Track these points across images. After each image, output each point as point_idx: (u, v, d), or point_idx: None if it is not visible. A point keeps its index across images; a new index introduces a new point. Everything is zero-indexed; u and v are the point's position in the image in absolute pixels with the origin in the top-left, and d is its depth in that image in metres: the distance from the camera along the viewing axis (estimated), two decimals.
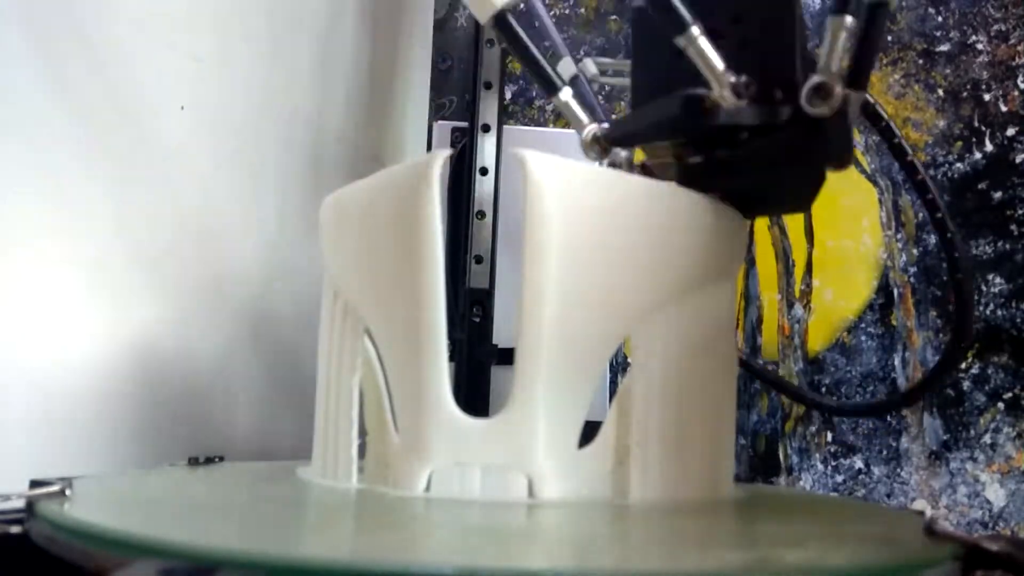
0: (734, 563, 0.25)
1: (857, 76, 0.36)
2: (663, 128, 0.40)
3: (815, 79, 0.35)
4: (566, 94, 0.44)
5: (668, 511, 0.34)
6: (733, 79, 0.36)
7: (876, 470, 0.78)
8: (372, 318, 0.38)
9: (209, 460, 0.46)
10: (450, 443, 0.35)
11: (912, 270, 0.79)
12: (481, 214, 0.70)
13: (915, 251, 0.80)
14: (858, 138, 0.82)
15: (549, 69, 0.44)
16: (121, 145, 0.54)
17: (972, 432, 0.76)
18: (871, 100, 0.43)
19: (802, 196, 0.40)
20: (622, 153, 0.45)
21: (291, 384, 0.66)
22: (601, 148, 0.44)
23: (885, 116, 0.44)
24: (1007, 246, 0.78)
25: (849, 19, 0.35)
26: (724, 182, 0.40)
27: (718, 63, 0.36)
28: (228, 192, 0.62)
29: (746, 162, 0.38)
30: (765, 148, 0.38)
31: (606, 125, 0.44)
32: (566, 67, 0.54)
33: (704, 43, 0.37)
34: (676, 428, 0.36)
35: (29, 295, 0.48)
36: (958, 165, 0.79)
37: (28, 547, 0.29)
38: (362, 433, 0.39)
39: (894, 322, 0.79)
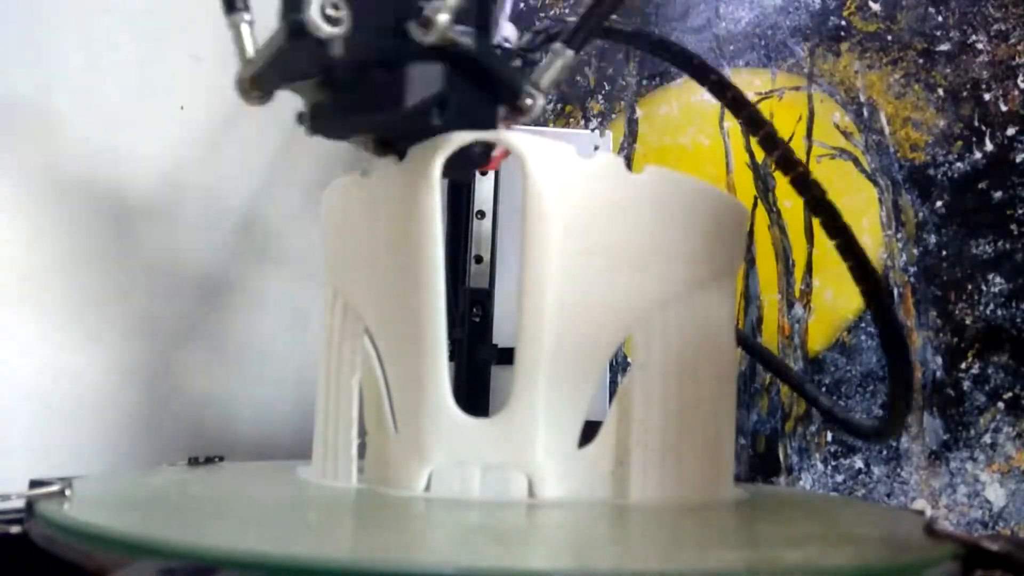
0: (734, 563, 0.25)
1: (571, 35, 0.35)
2: (280, 63, 0.35)
3: (420, 5, 0.32)
4: (241, 18, 0.37)
5: (668, 511, 0.34)
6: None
7: (876, 470, 0.78)
8: (372, 318, 0.38)
9: (209, 460, 0.46)
10: (450, 443, 0.35)
11: (912, 270, 0.79)
12: (481, 214, 0.70)
13: (915, 251, 0.80)
14: (858, 138, 0.82)
15: None
16: (119, 144, 0.54)
17: (972, 432, 0.76)
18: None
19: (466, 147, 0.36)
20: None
21: (291, 384, 0.66)
22: (248, 91, 0.36)
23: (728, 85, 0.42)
24: (1007, 246, 0.78)
25: None
26: (351, 126, 0.36)
27: None
28: (226, 193, 0.62)
29: (373, 102, 0.34)
30: (389, 85, 0.33)
31: None
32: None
33: None
34: (676, 428, 0.36)
35: (28, 296, 0.48)
36: (958, 165, 0.79)
37: (28, 547, 0.29)
38: (362, 433, 0.39)
39: None
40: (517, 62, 0.45)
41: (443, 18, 0.32)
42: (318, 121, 0.36)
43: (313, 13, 0.31)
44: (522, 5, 0.89)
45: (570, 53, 0.38)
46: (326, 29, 0.31)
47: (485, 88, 0.35)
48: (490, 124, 0.37)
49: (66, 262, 0.50)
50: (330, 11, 0.31)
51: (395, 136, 0.37)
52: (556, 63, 0.38)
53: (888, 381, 0.40)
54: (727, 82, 0.43)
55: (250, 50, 0.37)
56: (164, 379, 0.56)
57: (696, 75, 0.45)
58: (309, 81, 0.35)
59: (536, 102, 0.36)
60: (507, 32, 0.45)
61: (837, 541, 0.31)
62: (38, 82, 0.49)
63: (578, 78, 0.90)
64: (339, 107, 0.35)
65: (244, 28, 0.37)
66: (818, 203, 0.38)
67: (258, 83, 0.36)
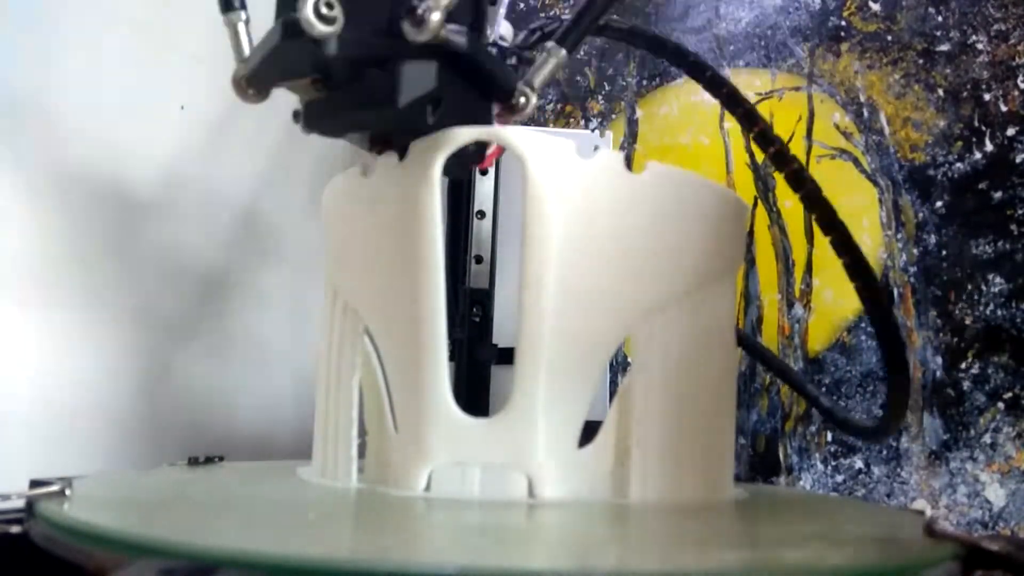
0: (734, 563, 0.25)
1: (565, 34, 0.36)
2: (275, 62, 0.35)
3: (413, 4, 0.32)
4: (238, 17, 0.38)
5: (668, 511, 0.34)
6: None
7: (876, 470, 0.78)
8: (372, 318, 0.38)
9: (209, 460, 0.46)
10: (450, 443, 0.35)
11: (912, 270, 0.79)
12: (481, 214, 0.70)
13: (915, 251, 0.80)
14: (858, 138, 0.82)
15: None
16: (119, 145, 0.54)
17: (972, 432, 0.76)
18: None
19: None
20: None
21: (291, 384, 0.66)
22: (243, 89, 0.37)
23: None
24: (1007, 246, 0.78)
25: None
26: (346, 123, 0.36)
27: None
28: (227, 193, 0.62)
29: (367, 99, 0.34)
30: (382, 83, 0.33)
31: None
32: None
33: None
34: (676, 428, 0.36)
35: (28, 296, 0.48)
36: (958, 165, 0.79)
37: (28, 547, 0.29)
38: (362, 433, 0.39)
39: None
40: (512, 60, 0.45)
41: (436, 17, 0.32)
42: (313, 118, 0.37)
43: (307, 12, 0.31)
44: (522, 5, 0.89)
45: (563, 53, 0.38)
46: (320, 28, 0.32)
47: (478, 86, 0.35)
48: (484, 122, 0.37)
49: (67, 261, 0.50)
50: (324, 10, 0.32)
51: (390, 133, 0.37)
52: (549, 62, 0.38)
53: (887, 380, 0.40)
54: (722, 79, 0.44)
55: (246, 49, 0.37)
56: (164, 379, 0.56)
57: (692, 72, 0.45)
58: (304, 79, 0.35)
59: (530, 100, 0.36)
60: (503, 30, 0.45)
61: (837, 541, 0.31)
62: (39, 82, 0.49)
63: (578, 78, 0.90)
64: (333, 105, 0.36)
65: (240, 27, 0.37)
66: (813, 199, 0.38)
67: (254, 81, 0.37)
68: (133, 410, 0.54)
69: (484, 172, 0.71)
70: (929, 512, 0.34)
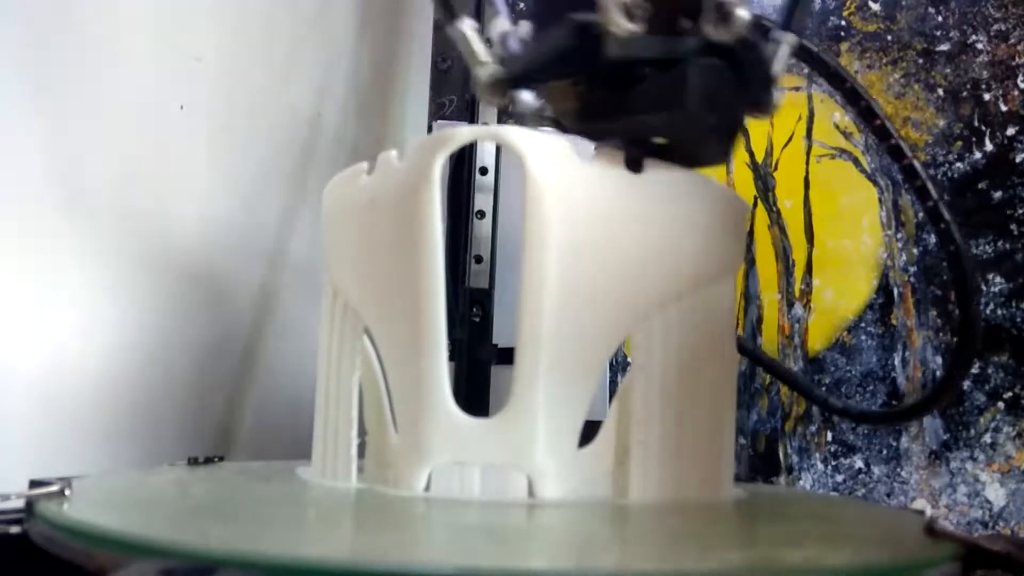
0: (734, 563, 0.25)
1: (788, 16, 0.34)
2: (555, 63, 0.35)
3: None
4: (467, 25, 0.38)
5: (668, 511, 0.34)
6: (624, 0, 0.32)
7: (876, 470, 0.77)
8: (372, 318, 0.38)
9: (209, 460, 0.46)
10: (450, 443, 0.35)
11: (912, 270, 0.79)
12: (481, 214, 0.70)
13: (915, 251, 0.80)
14: (858, 138, 0.82)
15: None
16: (119, 145, 0.54)
17: (972, 432, 0.76)
18: (831, 61, 0.39)
19: (716, 145, 0.35)
20: (531, 103, 0.39)
21: (291, 383, 0.66)
22: (500, 92, 0.38)
23: (864, 94, 0.40)
24: (1007, 246, 0.78)
25: None
26: (624, 127, 0.35)
27: None
28: (226, 192, 0.62)
29: (648, 102, 0.34)
30: (668, 85, 0.33)
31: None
32: (500, 25, 0.43)
33: None
34: (676, 428, 0.36)
35: (28, 295, 0.48)
36: (958, 165, 0.79)
37: (28, 547, 0.29)
38: (362, 433, 0.39)
39: (894, 322, 0.79)
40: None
41: (743, 13, 0.31)
42: (583, 120, 0.36)
43: (614, 11, 0.31)
44: (522, 4, 0.89)
45: (792, 37, 0.36)
46: (626, 26, 0.31)
47: (748, 86, 0.34)
48: (740, 121, 0.36)
49: (67, 262, 0.50)
50: (634, 9, 0.31)
51: (668, 137, 0.36)
52: (781, 51, 0.36)
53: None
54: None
55: (481, 54, 0.37)
56: (165, 379, 0.56)
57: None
58: (564, 82, 0.35)
59: (779, 99, 0.35)
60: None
61: (837, 541, 0.31)
62: (40, 82, 0.49)
63: None
64: (609, 107, 0.35)
65: (471, 34, 0.38)
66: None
67: (516, 83, 0.37)
68: (133, 410, 0.54)
69: (484, 171, 0.71)
70: (929, 512, 0.34)
